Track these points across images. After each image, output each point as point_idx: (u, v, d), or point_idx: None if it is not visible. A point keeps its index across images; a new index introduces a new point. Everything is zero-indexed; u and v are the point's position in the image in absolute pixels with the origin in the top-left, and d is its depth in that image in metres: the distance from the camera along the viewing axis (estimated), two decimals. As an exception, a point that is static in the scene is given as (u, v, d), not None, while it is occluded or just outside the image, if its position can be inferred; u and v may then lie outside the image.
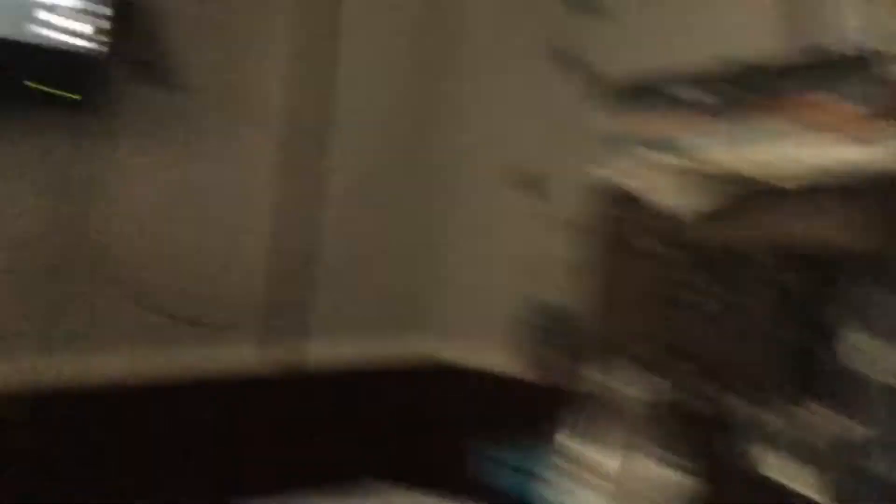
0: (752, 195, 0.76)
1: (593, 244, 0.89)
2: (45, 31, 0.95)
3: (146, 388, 1.10)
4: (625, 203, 0.85)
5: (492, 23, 1.35)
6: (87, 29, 0.98)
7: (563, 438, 0.84)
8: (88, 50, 0.98)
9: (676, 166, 0.80)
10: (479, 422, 1.23)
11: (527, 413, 1.03)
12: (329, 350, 1.27)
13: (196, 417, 1.13)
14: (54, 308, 1.03)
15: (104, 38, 0.98)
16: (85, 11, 0.96)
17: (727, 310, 0.77)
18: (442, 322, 1.39)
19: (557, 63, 1.16)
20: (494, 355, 1.23)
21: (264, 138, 1.23)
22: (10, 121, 1.00)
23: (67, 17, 0.96)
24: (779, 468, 0.71)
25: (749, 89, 0.77)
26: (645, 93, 0.86)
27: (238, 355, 1.20)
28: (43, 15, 0.95)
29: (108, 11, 0.97)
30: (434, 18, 1.38)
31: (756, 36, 0.94)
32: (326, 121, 1.13)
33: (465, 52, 1.38)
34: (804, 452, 0.69)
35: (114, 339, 1.08)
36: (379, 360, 1.34)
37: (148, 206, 1.12)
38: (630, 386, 0.81)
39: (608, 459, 0.80)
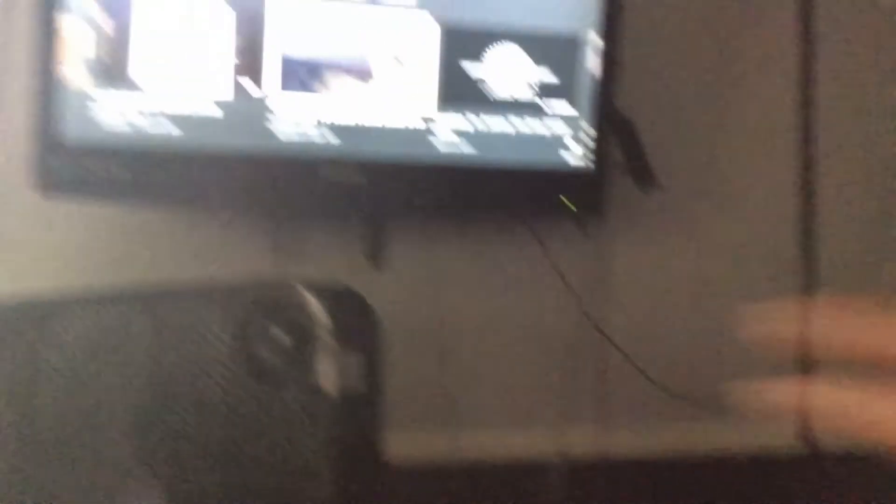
0: None
1: None
2: (542, 156, 1.14)
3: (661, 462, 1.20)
4: None
5: None
6: (578, 149, 1.14)
7: None
8: (580, 167, 1.14)
9: None
10: None
11: None
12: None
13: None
14: (571, 389, 1.19)
15: (592, 155, 1.13)
16: (574, 136, 1.13)
17: None
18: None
19: None
20: None
21: (740, 226, 1.27)
22: (518, 234, 1.21)
23: (560, 143, 1.13)
24: None
25: None
26: None
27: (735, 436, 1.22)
28: (538, 144, 1.13)
29: (592, 132, 1.12)
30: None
31: None
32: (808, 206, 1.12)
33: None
34: None
35: (624, 416, 1.20)
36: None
37: (642, 298, 1.24)
38: None
39: None
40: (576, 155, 1.10)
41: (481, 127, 1.06)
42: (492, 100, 1.06)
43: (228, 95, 0.97)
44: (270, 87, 0.99)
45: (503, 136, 1.07)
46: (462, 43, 1.04)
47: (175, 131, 0.96)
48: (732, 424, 1.23)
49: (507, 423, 1.19)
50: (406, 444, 1.07)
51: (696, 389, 1.22)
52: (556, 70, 1.07)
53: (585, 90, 1.08)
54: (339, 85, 1.01)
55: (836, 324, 0.36)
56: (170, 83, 0.96)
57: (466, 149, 1.06)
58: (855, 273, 1.28)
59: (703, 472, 1.21)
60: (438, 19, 1.02)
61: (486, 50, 1.05)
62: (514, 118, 1.08)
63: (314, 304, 0.68)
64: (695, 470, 1.21)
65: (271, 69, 0.98)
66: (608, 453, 1.18)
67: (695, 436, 1.22)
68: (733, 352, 1.24)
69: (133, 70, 0.95)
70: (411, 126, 1.04)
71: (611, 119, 1.12)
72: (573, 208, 1.13)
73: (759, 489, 1.21)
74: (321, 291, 0.69)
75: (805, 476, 0.91)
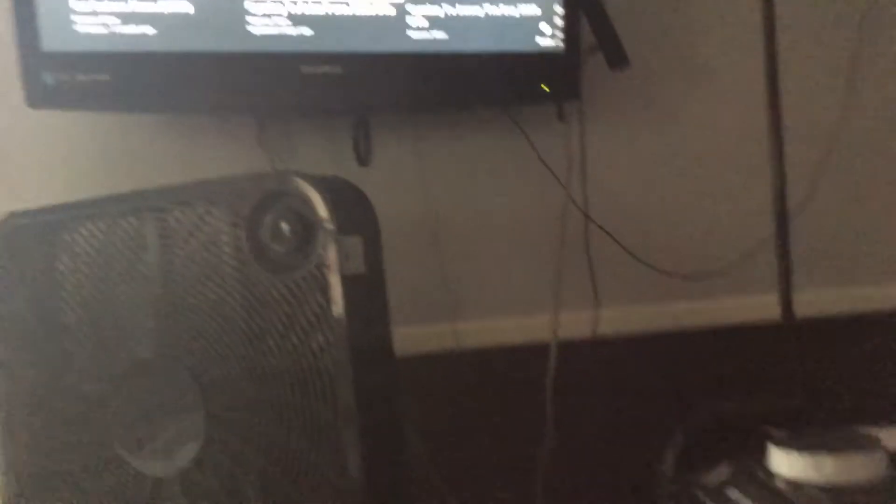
0: None
1: None
2: (515, 41, 1.15)
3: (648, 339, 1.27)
4: None
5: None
6: (550, 31, 1.16)
7: None
8: (553, 49, 1.16)
9: None
10: None
11: None
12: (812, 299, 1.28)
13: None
14: (562, 273, 1.24)
15: (563, 37, 1.15)
16: (546, 18, 1.15)
17: None
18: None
19: None
20: None
21: (716, 105, 1.31)
22: (493, 121, 1.24)
23: (532, 26, 1.15)
24: None
25: None
26: None
27: (732, 305, 1.30)
28: (512, 28, 1.15)
29: (561, 13, 1.14)
30: None
31: None
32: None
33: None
34: None
35: (613, 296, 1.26)
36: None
37: (621, 179, 1.29)
38: None
39: None
40: (548, 37, 1.12)
41: (452, 12, 1.08)
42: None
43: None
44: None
45: (475, 21, 1.09)
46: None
47: (150, 31, 0.97)
48: (717, 298, 1.30)
49: (503, 310, 1.25)
50: (406, 335, 1.13)
51: (681, 266, 1.28)
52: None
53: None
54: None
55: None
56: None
57: (439, 35, 1.07)
58: (823, 137, 1.32)
59: (692, 345, 1.28)
60: None
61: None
62: (486, 3, 1.09)
63: (314, 195, 0.72)
64: (684, 343, 1.28)
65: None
66: (601, 333, 1.25)
67: (683, 311, 1.29)
68: (715, 227, 1.31)
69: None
70: (382, 13, 1.05)
71: (583, 3, 1.13)
72: (547, 90, 1.16)
73: (744, 360, 1.29)
74: (319, 183, 0.73)
75: (787, 346, 0.98)
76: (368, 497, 0.71)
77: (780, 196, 1.01)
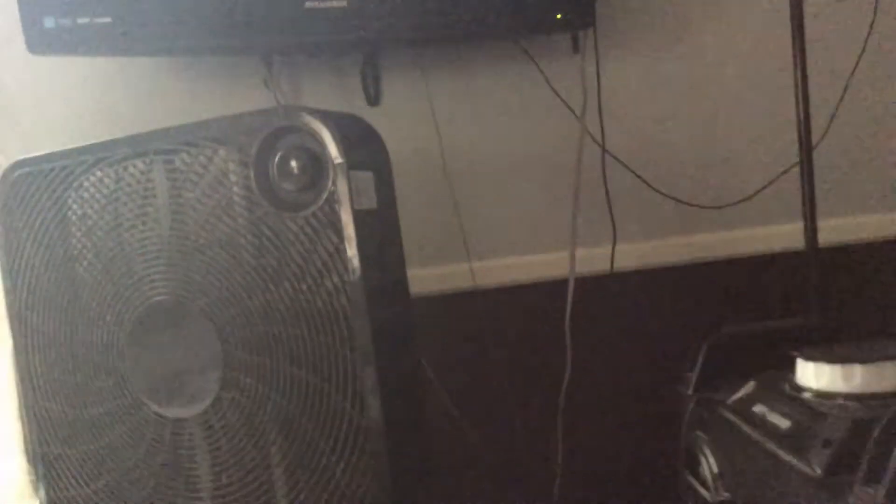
0: None
1: None
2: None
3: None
4: None
5: None
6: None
7: None
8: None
9: None
10: None
11: None
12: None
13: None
14: (579, 206, 1.22)
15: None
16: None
17: None
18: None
19: None
20: None
21: (736, 30, 1.26)
22: (504, 54, 1.21)
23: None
24: None
25: None
26: None
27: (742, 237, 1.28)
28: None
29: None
30: None
31: None
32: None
33: None
34: None
35: (631, 230, 1.24)
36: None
37: (638, 109, 1.25)
38: None
39: None
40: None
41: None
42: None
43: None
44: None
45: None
46: None
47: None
48: (738, 228, 1.28)
49: (519, 248, 1.24)
50: (421, 275, 1.12)
51: (700, 197, 1.26)
52: None
53: None
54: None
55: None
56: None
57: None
58: (845, 71, 1.28)
59: (714, 275, 1.27)
60: None
61: None
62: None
63: (323, 130, 0.70)
64: (707, 274, 1.27)
65: None
66: (620, 267, 1.23)
67: (703, 242, 1.27)
68: (735, 157, 1.28)
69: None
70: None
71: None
72: (560, 18, 1.12)
73: (767, 288, 1.27)
74: (327, 118, 0.71)
75: (808, 274, 0.96)
76: (388, 436, 0.71)
77: (805, 125, 0.98)
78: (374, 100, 1.18)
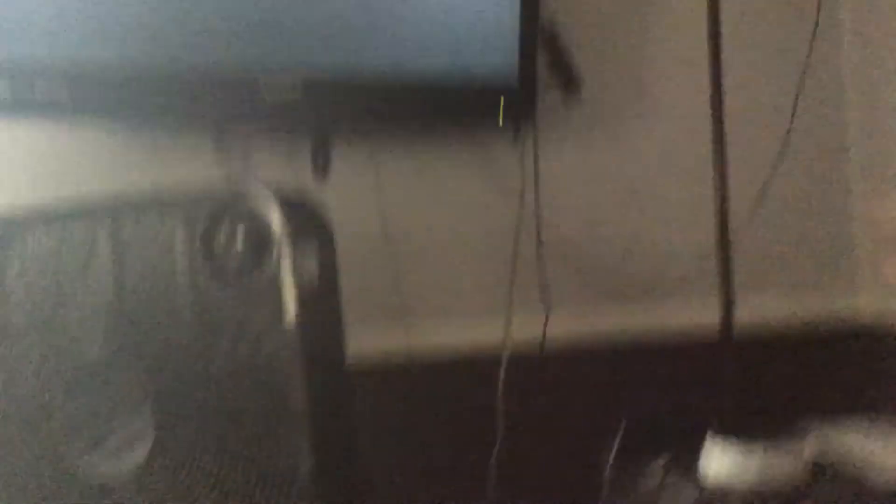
0: None
1: None
2: (463, 69, 1.18)
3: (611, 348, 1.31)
4: None
5: None
6: (498, 60, 1.19)
7: None
8: (503, 78, 1.19)
9: None
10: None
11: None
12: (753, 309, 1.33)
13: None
14: (514, 283, 1.27)
15: (515, 67, 1.18)
16: (496, 48, 1.18)
17: None
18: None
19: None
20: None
21: (663, 123, 1.36)
22: (449, 138, 1.27)
23: (481, 54, 1.18)
24: None
25: None
26: None
27: (666, 319, 1.34)
28: (461, 55, 1.17)
29: (516, 45, 1.17)
30: None
31: None
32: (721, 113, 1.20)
33: None
34: None
35: (562, 309, 1.29)
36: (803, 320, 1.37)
37: (573, 199, 1.32)
38: None
39: None
40: (504, 65, 1.15)
41: (410, 34, 1.10)
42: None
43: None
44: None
45: (433, 44, 1.11)
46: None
47: (108, 47, 0.97)
48: (659, 312, 1.34)
49: (457, 317, 1.27)
50: (360, 343, 1.14)
51: (630, 281, 1.32)
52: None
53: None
54: None
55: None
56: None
57: (397, 57, 1.10)
58: (765, 174, 1.37)
59: (638, 357, 1.32)
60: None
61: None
62: (442, 27, 1.12)
63: (270, 208, 0.73)
64: (629, 354, 1.32)
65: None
66: (551, 340, 1.27)
67: (628, 322, 1.33)
68: (662, 244, 1.35)
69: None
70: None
71: (536, 28, 1.17)
72: (500, 119, 1.19)
73: (685, 371, 1.32)
74: (273, 191, 0.74)
75: (724, 360, 1.02)
76: (320, 501, 0.72)
77: (722, 213, 1.05)
78: (322, 175, 1.22)
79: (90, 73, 0.96)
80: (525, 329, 1.27)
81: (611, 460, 0.84)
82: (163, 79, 0.99)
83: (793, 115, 1.34)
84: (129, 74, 0.98)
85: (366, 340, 1.20)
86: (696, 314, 1.32)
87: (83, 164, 1.12)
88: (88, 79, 0.96)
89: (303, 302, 0.73)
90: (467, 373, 1.25)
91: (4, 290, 0.84)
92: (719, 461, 0.70)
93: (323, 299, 0.78)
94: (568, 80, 1.23)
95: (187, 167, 1.15)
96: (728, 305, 0.98)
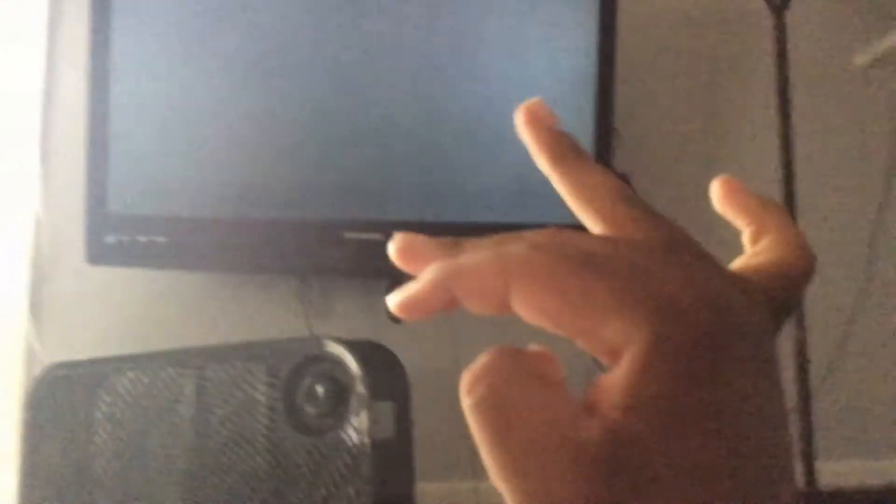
0: None
1: None
2: (537, 215, 1.22)
3: None
4: None
5: None
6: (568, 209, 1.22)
7: None
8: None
9: None
10: None
11: None
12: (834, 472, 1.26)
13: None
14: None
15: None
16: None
17: None
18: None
19: None
20: None
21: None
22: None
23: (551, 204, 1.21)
24: None
25: None
26: None
27: None
28: (532, 204, 1.21)
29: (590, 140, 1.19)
30: None
31: None
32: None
33: None
34: None
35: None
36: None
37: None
38: None
39: None
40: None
41: (485, 188, 1.15)
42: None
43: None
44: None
45: (506, 194, 1.15)
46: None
47: (205, 197, 1.04)
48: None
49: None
50: (427, 491, 1.13)
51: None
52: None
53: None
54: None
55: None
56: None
57: (473, 206, 1.14)
58: (845, 306, 1.34)
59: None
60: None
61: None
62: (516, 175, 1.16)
63: (350, 361, 0.75)
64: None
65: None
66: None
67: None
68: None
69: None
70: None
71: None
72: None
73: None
74: (354, 348, 0.77)
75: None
76: None
77: (803, 363, 1.03)
78: (397, 318, 1.24)
79: (187, 223, 1.03)
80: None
81: None
82: (252, 228, 1.05)
83: (869, 265, 1.32)
84: (221, 224, 1.04)
85: (434, 488, 1.18)
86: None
87: (176, 310, 1.17)
88: (185, 227, 1.02)
89: (377, 457, 0.74)
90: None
91: (91, 430, 0.87)
92: None
93: (397, 453, 0.79)
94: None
95: (271, 311, 1.19)
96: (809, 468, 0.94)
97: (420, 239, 0.24)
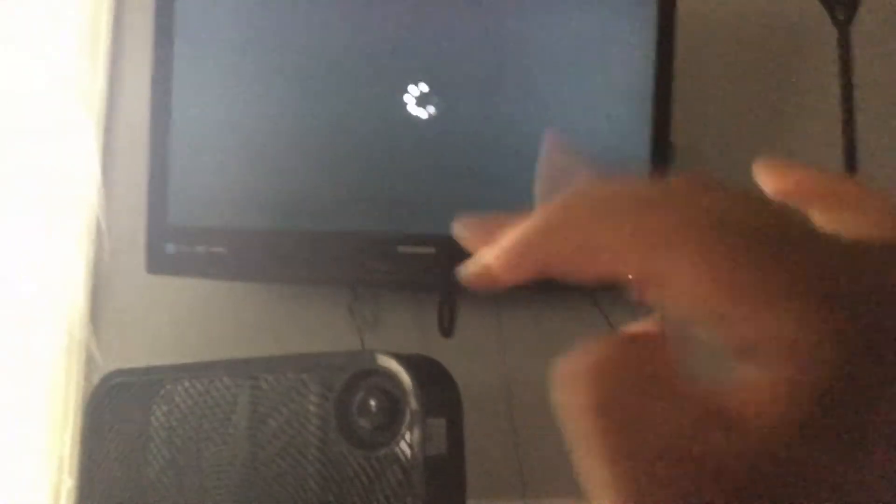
0: None
1: None
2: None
3: None
4: None
5: None
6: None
7: None
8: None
9: None
10: None
11: None
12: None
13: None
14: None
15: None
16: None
17: None
18: None
19: None
20: None
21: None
22: (577, 306, 1.28)
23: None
24: None
25: None
26: None
27: None
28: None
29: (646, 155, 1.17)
30: None
31: None
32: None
33: None
34: None
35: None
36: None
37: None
38: None
39: None
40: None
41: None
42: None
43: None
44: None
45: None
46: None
47: (264, 210, 1.06)
48: None
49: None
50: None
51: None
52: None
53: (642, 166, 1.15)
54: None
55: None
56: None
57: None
58: None
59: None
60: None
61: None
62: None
63: (403, 375, 0.75)
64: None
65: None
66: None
67: None
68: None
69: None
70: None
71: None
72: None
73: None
74: (408, 363, 0.76)
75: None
76: None
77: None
78: (448, 332, 1.24)
79: (245, 234, 1.04)
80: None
81: None
82: (308, 240, 1.05)
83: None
84: (278, 235, 1.05)
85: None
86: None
87: (232, 320, 1.18)
88: (243, 239, 1.04)
89: (430, 473, 0.73)
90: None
91: (147, 438, 0.88)
92: None
93: (450, 470, 0.78)
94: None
95: (323, 323, 1.20)
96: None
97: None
